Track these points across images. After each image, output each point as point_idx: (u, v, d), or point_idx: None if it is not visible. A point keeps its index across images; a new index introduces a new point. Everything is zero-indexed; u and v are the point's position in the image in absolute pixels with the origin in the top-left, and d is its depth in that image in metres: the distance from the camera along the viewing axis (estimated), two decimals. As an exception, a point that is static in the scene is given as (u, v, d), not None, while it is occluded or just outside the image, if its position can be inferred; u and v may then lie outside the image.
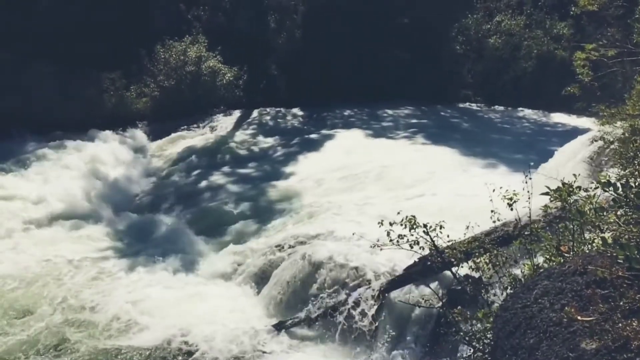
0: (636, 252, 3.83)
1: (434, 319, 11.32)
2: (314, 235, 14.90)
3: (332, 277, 13.13)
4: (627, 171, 6.92)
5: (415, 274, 11.29)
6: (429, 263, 9.06)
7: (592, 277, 4.02)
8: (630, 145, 7.82)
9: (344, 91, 31.09)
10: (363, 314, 12.31)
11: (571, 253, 5.32)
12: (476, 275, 7.20)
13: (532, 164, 10.34)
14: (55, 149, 23.52)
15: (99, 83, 28.34)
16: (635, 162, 7.10)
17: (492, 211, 6.81)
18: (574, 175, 5.84)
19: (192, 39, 30.22)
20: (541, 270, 5.11)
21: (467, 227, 7.42)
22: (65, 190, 19.78)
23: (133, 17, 29.28)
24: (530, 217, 6.48)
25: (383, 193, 18.24)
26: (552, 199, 5.52)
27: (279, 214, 18.03)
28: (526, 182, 6.50)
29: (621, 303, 3.70)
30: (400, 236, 6.86)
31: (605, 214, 4.82)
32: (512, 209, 6.38)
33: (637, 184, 4.64)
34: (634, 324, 3.51)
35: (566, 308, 3.85)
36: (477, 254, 6.87)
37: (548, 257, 5.62)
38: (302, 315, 12.97)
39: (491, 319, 5.35)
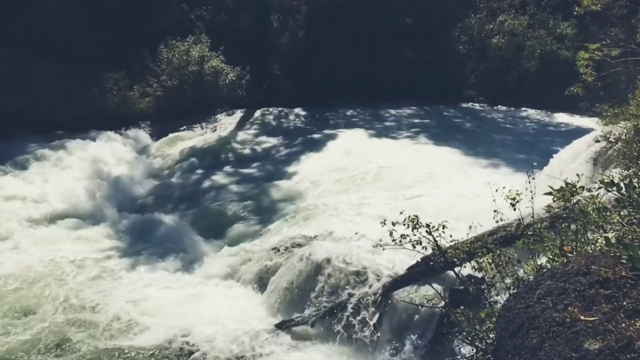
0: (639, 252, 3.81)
1: (436, 319, 11.30)
2: (316, 236, 14.88)
3: (334, 277, 13.11)
4: (630, 171, 6.90)
5: (417, 274, 11.26)
6: (431, 263, 9.03)
7: (595, 277, 4.00)
8: (633, 145, 7.81)
9: (347, 91, 31.11)
10: (365, 314, 12.29)
11: (574, 253, 5.30)
12: (479, 275, 7.17)
13: (535, 164, 10.32)
14: (57, 149, 23.55)
15: (102, 83, 28.40)
16: (639, 162, 7.08)
17: (495, 211, 6.79)
18: (577, 175, 5.81)
19: (195, 38, 30.29)
20: (544, 270, 5.09)
21: (470, 227, 7.40)
22: (68, 190, 19.81)
23: (136, 17, 29.31)
24: (533, 217, 6.46)
25: (383, 193, 18.21)
26: (555, 199, 5.50)
27: (281, 214, 18.01)
28: (529, 182, 6.47)
29: (624, 303, 3.68)
30: (403, 236, 6.85)
31: (608, 214, 4.80)
32: (515, 209, 6.36)
33: (640, 183, 4.62)
34: (637, 324, 3.49)
35: (569, 308, 3.83)
36: (480, 254, 6.85)
37: (551, 257, 5.60)
38: (304, 315, 12.95)
39: (494, 319, 5.32)
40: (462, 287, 8.86)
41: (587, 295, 3.92)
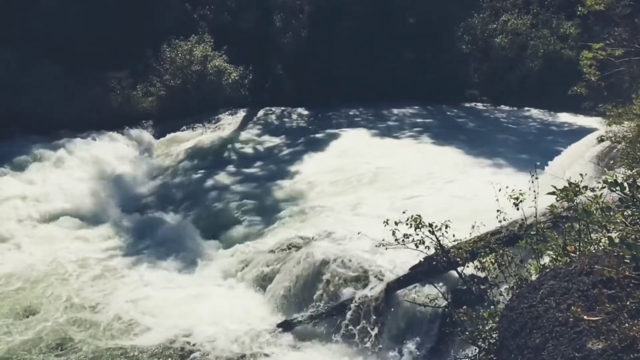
0: (643, 251, 3.80)
1: (439, 319, 11.29)
2: (318, 236, 14.87)
3: (336, 277, 13.10)
4: (634, 171, 6.89)
5: (420, 273, 11.26)
6: (434, 263, 9.02)
7: (598, 277, 3.98)
8: (637, 145, 7.79)
9: (350, 90, 31.08)
10: (368, 313, 12.29)
11: (577, 253, 5.28)
12: (482, 275, 7.16)
13: (538, 163, 10.31)
14: (59, 148, 23.49)
15: (105, 82, 28.37)
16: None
17: (498, 211, 6.78)
18: (581, 175, 5.80)
19: (198, 38, 30.28)
20: (547, 270, 5.07)
21: (473, 227, 7.39)
22: (71, 189, 19.85)
23: (138, 17, 29.28)
24: (536, 216, 6.45)
25: (382, 193, 18.21)
26: (558, 198, 5.48)
27: (283, 215, 18.01)
28: (532, 182, 6.46)
29: (628, 303, 3.66)
30: (406, 235, 6.84)
31: (612, 213, 4.78)
32: (518, 209, 6.35)
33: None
34: (641, 324, 3.48)
35: (572, 308, 3.81)
36: (482, 254, 6.84)
37: (554, 257, 5.58)
38: (306, 314, 12.95)
39: (497, 319, 5.31)
40: (465, 287, 8.85)
41: (591, 295, 3.91)
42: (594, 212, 4.98)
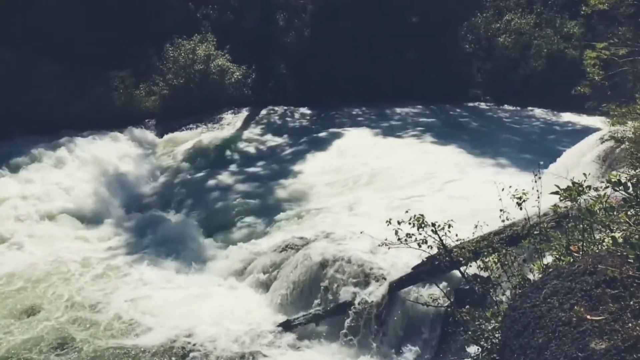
0: (647, 251, 3.78)
1: (442, 318, 11.27)
2: (321, 235, 14.85)
3: (338, 276, 13.08)
4: (637, 170, 6.85)
5: (423, 273, 11.24)
6: (437, 262, 9.00)
7: (601, 276, 3.96)
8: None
9: (353, 90, 31.08)
10: (370, 313, 12.27)
11: (581, 252, 5.26)
12: (485, 274, 7.14)
13: (541, 163, 10.29)
14: (63, 148, 23.46)
15: (107, 82, 28.38)
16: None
17: (501, 210, 6.76)
18: (584, 174, 5.77)
19: (201, 37, 30.31)
20: (550, 269, 5.05)
21: (476, 227, 7.37)
22: (74, 189, 19.83)
23: (138, 17, 29.28)
24: (539, 216, 6.43)
25: (381, 193, 18.19)
26: (561, 198, 5.46)
27: (286, 214, 18.00)
28: (535, 182, 6.43)
29: (631, 303, 3.65)
30: (409, 235, 6.82)
31: (615, 213, 4.76)
32: (521, 209, 6.32)
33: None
34: (644, 324, 3.46)
35: (575, 308, 3.79)
36: (485, 254, 6.82)
37: (557, 256, 5.56)
38: (308, 314, 12.93)
39: (500, 319, 5.30)
40: (468, 287, 8.83)
41: (594, 294, 3.89)
42: (598, 211, 4.95)
